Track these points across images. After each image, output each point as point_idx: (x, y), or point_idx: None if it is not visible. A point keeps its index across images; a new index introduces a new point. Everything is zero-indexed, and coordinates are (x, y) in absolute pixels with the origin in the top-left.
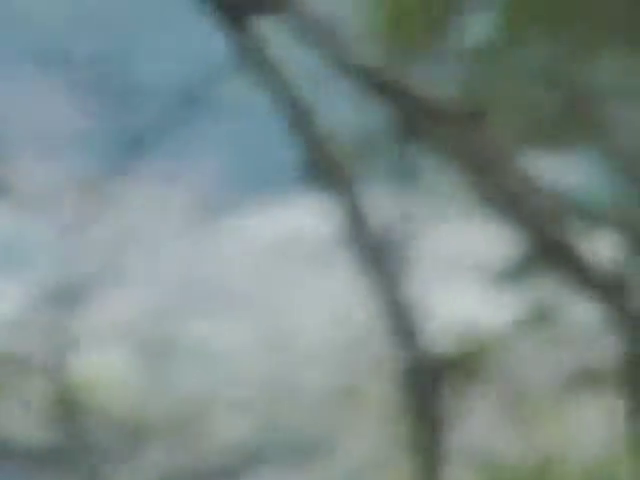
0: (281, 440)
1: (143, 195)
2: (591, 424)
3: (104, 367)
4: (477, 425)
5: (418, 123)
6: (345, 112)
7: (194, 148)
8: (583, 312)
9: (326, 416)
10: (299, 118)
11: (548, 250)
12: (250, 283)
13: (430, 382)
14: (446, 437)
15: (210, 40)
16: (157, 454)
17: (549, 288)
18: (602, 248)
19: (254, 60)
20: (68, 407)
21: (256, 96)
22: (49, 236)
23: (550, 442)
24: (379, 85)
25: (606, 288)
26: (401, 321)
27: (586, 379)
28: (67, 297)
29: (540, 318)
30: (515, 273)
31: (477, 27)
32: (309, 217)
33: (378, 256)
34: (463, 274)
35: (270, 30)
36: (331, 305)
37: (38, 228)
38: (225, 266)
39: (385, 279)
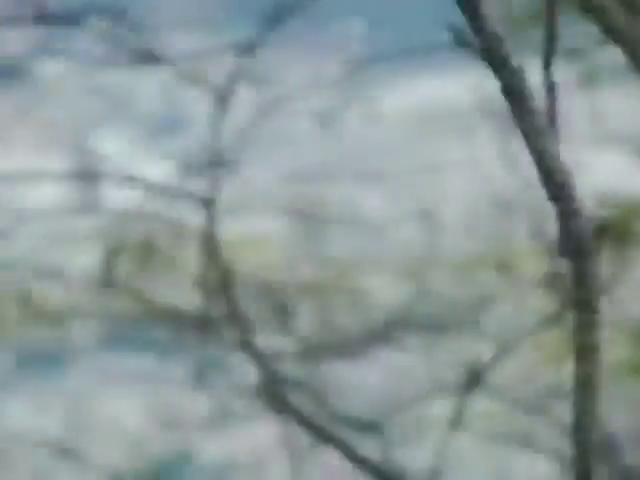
0: (429, 306)
1: (290, 64)
2: None
3: (255, 234)
4: (630, 293)
5: None
6: None
7: (341, 14)
8: None
9: (474, 284)
10: None
11: None
12: (396, 153)
13: (584, 246)
14: (600, 302)
15: None
16: (307, 318)
17: None
18: None
19: None
20: (221, 273)
21: None
22: (201, 107)
23: None
24: None
25: None
26: (554, 187)
27: None
28: (217, 166)
29: None
30: None
31: None
32: (457, 87)
33: (532, 125)
34: (614, 142)
35: None
36: (477, 175)
37: (189, 98)
38: (372, 136)
39: (538, 146)
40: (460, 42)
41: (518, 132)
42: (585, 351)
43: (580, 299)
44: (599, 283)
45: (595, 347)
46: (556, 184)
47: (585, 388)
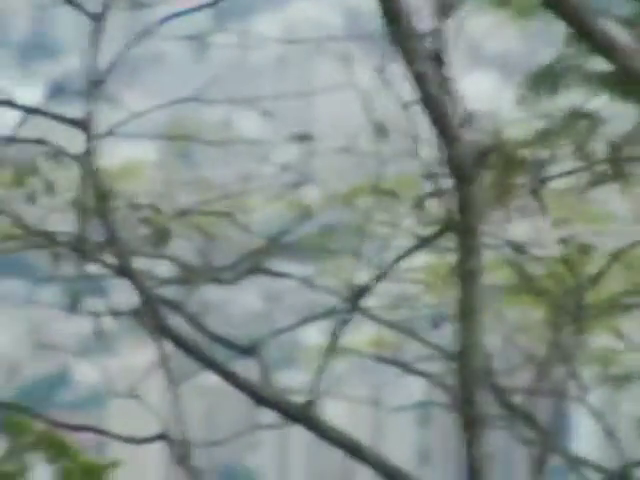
0: (308, 231)
1: None
2: None
3: (133, 158)
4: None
5: None
6: None
7: None
8: None
9: (352, 208)
10: None
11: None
12: (270, 76)
13: (466, 171)
14: (482, 227)
15: None
16: (185, 242)
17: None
18: None
19: None
20: (98, 197)
21: None
22: (75, 30)
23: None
24: None
25: None
26: (434, 110)
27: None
28: (93, 90)
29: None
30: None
31: None
32: (328, 10)
33: (413, 48)
34: (481, 64)
35: None
36: (353, 98)
37: (63, 21)
38: (245, 60)
39: (418, 69)
40: None
41: (395, 55)
42: (467, 275)
43: (462, 224)
44: (481, 208)
45: (477, 271)
46: (436, 108)
47: (468, 311)
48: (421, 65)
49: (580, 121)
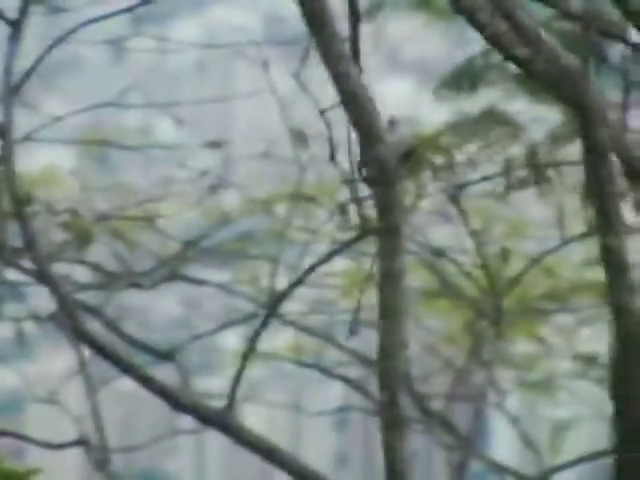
0: (224, 236)
1: None
2: None
3: (51, 163)
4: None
5: None
6: None
7: None
8: None
9: (270, 213)
10: None
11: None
12: (186, 82)
13: (388, 173)
14: (403, 228)
15: None
16: (103, 247)
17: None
18: None
19: None
20: (16, 203)
21: None
22: None
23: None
24: None
25: None
26: (356, 112)
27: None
28: (11, 95)
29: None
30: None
31: None
32: (245, 15)
33: (334, 50)
34: (400, 69)
35: None
36: (270, 103)
37: None
38: (162, 65)
39: (340, 70)
40: None
41: (312, 59)
42: (390, 276)
43: (385, 225)
44: (403, 209)
45: (400, 273)
46: (358, 109)
47: (392, 313)
48: (343, 67)
49: (496, 121)
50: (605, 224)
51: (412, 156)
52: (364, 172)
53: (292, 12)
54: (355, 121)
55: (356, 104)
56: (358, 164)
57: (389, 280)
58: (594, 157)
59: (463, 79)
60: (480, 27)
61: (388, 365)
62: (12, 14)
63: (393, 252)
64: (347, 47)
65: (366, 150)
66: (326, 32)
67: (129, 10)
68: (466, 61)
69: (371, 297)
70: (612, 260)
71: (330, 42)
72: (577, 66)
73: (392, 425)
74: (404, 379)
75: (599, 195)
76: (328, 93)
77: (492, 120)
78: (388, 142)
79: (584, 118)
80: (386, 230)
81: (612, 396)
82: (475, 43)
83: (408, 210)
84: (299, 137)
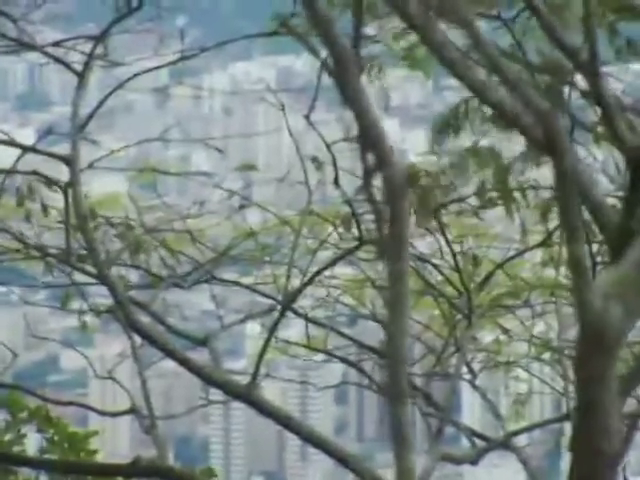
0: (249, 244)
1: (133, 50)
2: None
3: (109, 186)
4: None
5: None
6: None
7: (171, 11)
8: None
9: (286, 226)
10: None
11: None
12: (217, 122)
13: (398, 189)
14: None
15: None
16: (152, 254)
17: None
18: None
19: None
20: (81, 218)
21: None
22: (64, 84)
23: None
24: None
25: None
26: (372, 138)
27: None
28: (77, 132)
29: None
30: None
31: None
32: (263, 69)
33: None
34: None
35: None
36: (286, 139)
37: (55, 78)
38: (197, 109)
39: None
40: (287, 28)
41: (320, 103)
42: (395, 277)
43: (393, 233)
44: (408, 220)
45: (404, 273)
46: (374, 136)
47: (397, 305)
48: (365, 102)
49: (476, 155)
50: (570, 235)
51: (418, 177)
52: (369, 192)
53: (300, 67)
54: (371, 147)
55: (373, 132)
56: (364, 184)
57: (396, 278)
58: (561, 184)
59: (450, 124)
60: (459, 76)
61: (392, 349)
62: (78, 67)
63: (400, 256)
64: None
65: (378, 171)
66: (350, 76)
67: (170, 64)
68: (451, 108)
69: (366, 296)
70: (576, 264)
71: (352, 82)
72: (549, 110)
73: (396, 397)
74: (405, 360)
75: (564, 211)
76: (331, 132)
77: (471, 152)
78: (397, 164)
79: (555, 155)
80: (394, 237)
81: (575, 372)
82: (450, 89)
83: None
84: (315, 162)
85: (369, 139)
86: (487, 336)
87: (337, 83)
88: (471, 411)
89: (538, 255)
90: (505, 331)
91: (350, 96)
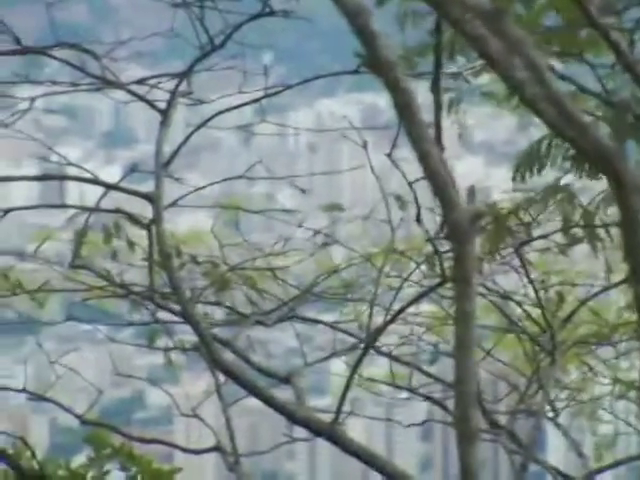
0: (333, 282)
1: (217, 88)
2: None
3: (193, 224)
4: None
5: None
6: None
7: (256, 48)
8: None
9: (369, 263)
10: None
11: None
12: (302, 159)
13: (463, 232)
14: (475, 277)
15: None
16: (236, 291)
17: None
18: None
19: None
20: (165, 256)
21: None
22: (148, 122)
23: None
24: None
25: None
26: (437, 183)
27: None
28: (161, 170)
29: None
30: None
31: None
32: (346, 106)
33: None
34: (474, 150)
35: None
36: (369, 177)
37: (139, 115)
38: (282, 146)
39: (424, 150)
40: (367, 66)
41: (403, 140)
42: (462, 317)
43: (459, 274)
44: (475, 261)
45: (470, 314)
46: (439, 181)
47: (465, 345)
48: (426, 147)
49: (558, 192)
50: (636, 275)
51: (481, 218)
52: (445, 232)
53: (384, 104)
54: (435, 191)
55: (437, 177)
56: (440, 225)
57: (462, 319)
58: (627, 223)
59: (534, 160)
60: (540, 114)
61: (461, 388)
62: (162, 105)
63: (465, 297)
64: (431, 131)
65: (445, 213)
66: (413, 119)
67: (255, 102)
68: (533, 144)
69: (448, 333)
70: None
71: (416, 127)
72: (613, 146)
73: (465, 437)
74: (475, 399)
75: (631, 253)
76: (414, 169)
77: (555, 191)
78: (461, 207)
79: (620, 192)
80: (460, 279)
81: None
82: (533, 127)
83: (481, 262)
84: (399, 200)
85: (434, 184)
86: (571, 374)
87: (403, 127)
88: (556, 450)
89: (623, 293)
90: (590, 369)
91: (414, 140)
